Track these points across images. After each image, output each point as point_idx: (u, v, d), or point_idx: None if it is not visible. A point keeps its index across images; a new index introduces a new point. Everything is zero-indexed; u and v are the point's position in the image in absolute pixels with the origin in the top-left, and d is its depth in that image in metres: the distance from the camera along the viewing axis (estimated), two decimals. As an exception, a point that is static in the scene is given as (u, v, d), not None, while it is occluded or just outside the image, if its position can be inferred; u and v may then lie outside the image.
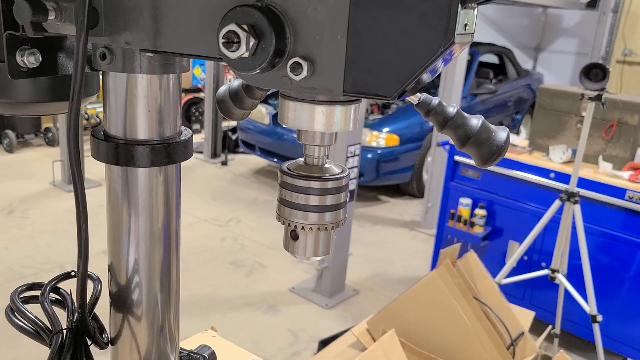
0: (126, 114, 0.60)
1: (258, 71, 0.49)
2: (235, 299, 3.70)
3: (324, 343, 2.75)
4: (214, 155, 6.82)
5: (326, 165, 0.60)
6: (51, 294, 0.68)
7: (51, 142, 6.73)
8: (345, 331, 2.59)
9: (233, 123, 6.99)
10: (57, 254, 4.08)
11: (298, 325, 3.44)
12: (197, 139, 7.25)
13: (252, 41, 0.47)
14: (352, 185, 3.65)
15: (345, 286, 3.86)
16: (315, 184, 0.58)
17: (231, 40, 0.47)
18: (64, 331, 0.64)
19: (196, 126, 7.88)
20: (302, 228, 0.59)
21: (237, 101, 0.71)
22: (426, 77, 0.49)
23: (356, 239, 4.52)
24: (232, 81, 0.72)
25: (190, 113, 7.90)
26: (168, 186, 0.64)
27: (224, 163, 6.62)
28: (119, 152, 0.59)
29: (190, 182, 5.87)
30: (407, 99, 0.58)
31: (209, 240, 4.55)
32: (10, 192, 5.24)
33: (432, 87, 5.79)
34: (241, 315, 3.52)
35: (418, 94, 0.60)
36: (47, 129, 6.76)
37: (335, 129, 0.54)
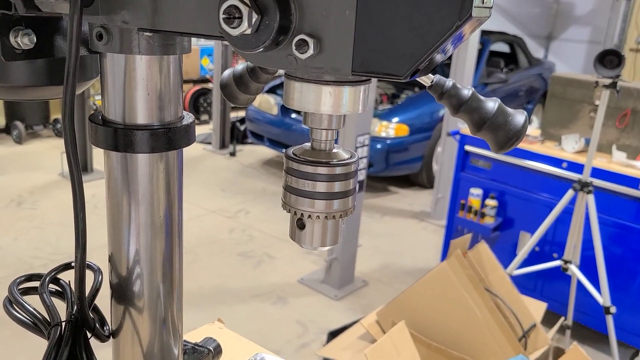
0: (125, 98, 0.57)
1: (261, 49, 0.46)
2: (243, 291, 3.69)
3: (333, 334, 2.73)
4: (223, 146, 6.81)
5: (334, 150, 0.57)
6: (51, 285, 0.66)
7: (60, 133, 6.75)
8: (354, 323, 2.57)
9: (241, 114, 6.97)
10: (66, 245, 4.08)
11: (307, 317, 3.43)
12: (206, 129, 7.25)
13: (254, 17, 0.44)
14: (362, 176, 3.62)
15: (355, 277, 3.85)
16: (322, 170, 0.55)
17: (232, 16, 0.44)
18: (63, 323, 0.62)
19: (204, 117, 7.88)
20: (309, 216, 0.56)
21: (242, 85, 0.68)
22: (439, 57, 0.46)
23: (365, 230, 4.49)
24: (237, 65, 0.69)
25: (199, 104, 7.90)
26: (169, 173, 0.61)
27: (233, 154, 6.61)
28: (118, 137, 0.57)
29: (199, 173, 5.86)
30: (419, 80, 0.55)
31: (218, 232, 4.55)
32: (19, 183, 5.26)
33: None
34: (249, 307, 3.52)
35: (431, 75, 0.57)
36: (56, 120, 6.77)
37: (344, 111, 0.51)
